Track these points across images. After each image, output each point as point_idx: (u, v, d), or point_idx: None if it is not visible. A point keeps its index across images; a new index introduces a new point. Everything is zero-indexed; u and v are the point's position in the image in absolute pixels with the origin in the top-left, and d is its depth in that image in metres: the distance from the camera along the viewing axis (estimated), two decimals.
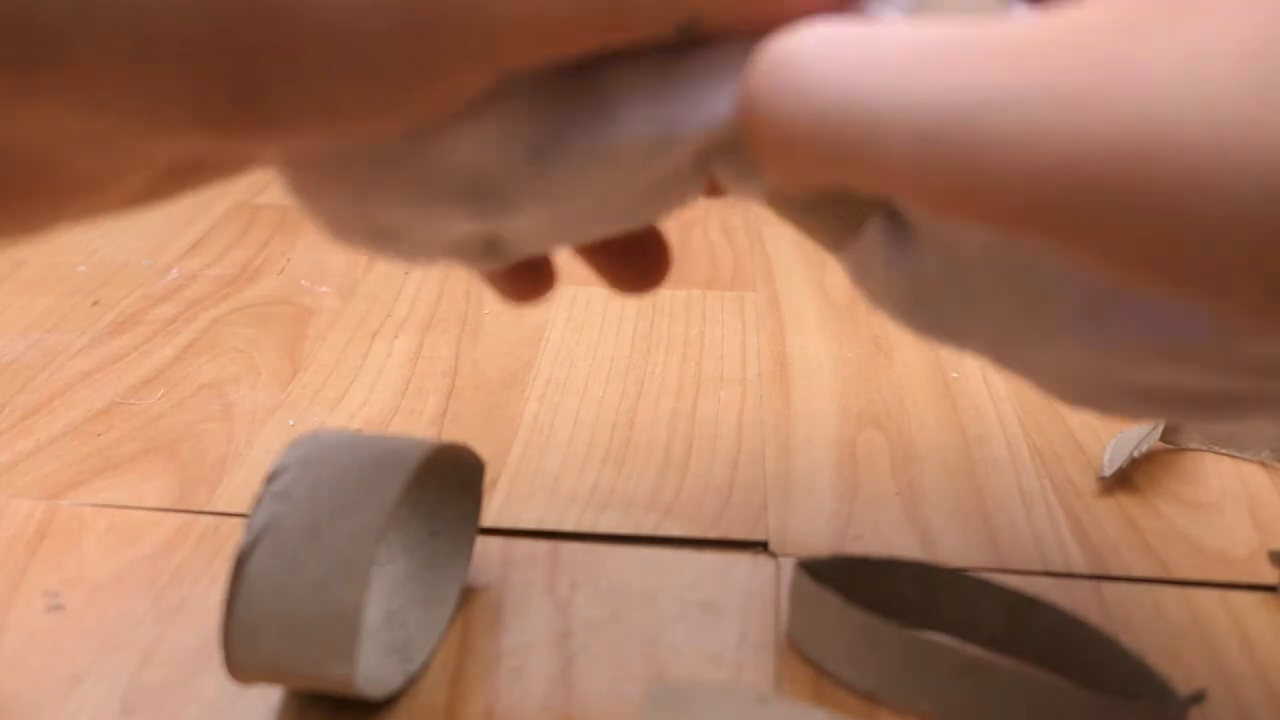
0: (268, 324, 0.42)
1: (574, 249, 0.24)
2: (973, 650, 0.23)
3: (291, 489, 0.23)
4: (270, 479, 0.23)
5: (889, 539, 0.30)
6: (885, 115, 0.14)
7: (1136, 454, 0.32)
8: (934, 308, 0.19)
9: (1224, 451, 0.34)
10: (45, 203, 0.16)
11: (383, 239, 0.21)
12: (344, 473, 0.23)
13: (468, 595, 0.28)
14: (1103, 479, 0.32)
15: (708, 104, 0.19)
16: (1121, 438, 0.33)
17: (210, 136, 0.15)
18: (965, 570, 0.26)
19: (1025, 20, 0.15)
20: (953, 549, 0.29)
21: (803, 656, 0.26)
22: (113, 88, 0.14)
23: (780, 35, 0.16)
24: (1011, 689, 0.22)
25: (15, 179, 0.15)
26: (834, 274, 0.46)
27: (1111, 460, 0.32)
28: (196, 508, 0.31)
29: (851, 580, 0.26)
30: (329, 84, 0.15)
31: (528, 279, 0.25)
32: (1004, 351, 0.19)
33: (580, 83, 0.19)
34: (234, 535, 0.30)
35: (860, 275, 0.20)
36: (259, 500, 0.23)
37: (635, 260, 0.25)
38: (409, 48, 0.15)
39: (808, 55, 0.15)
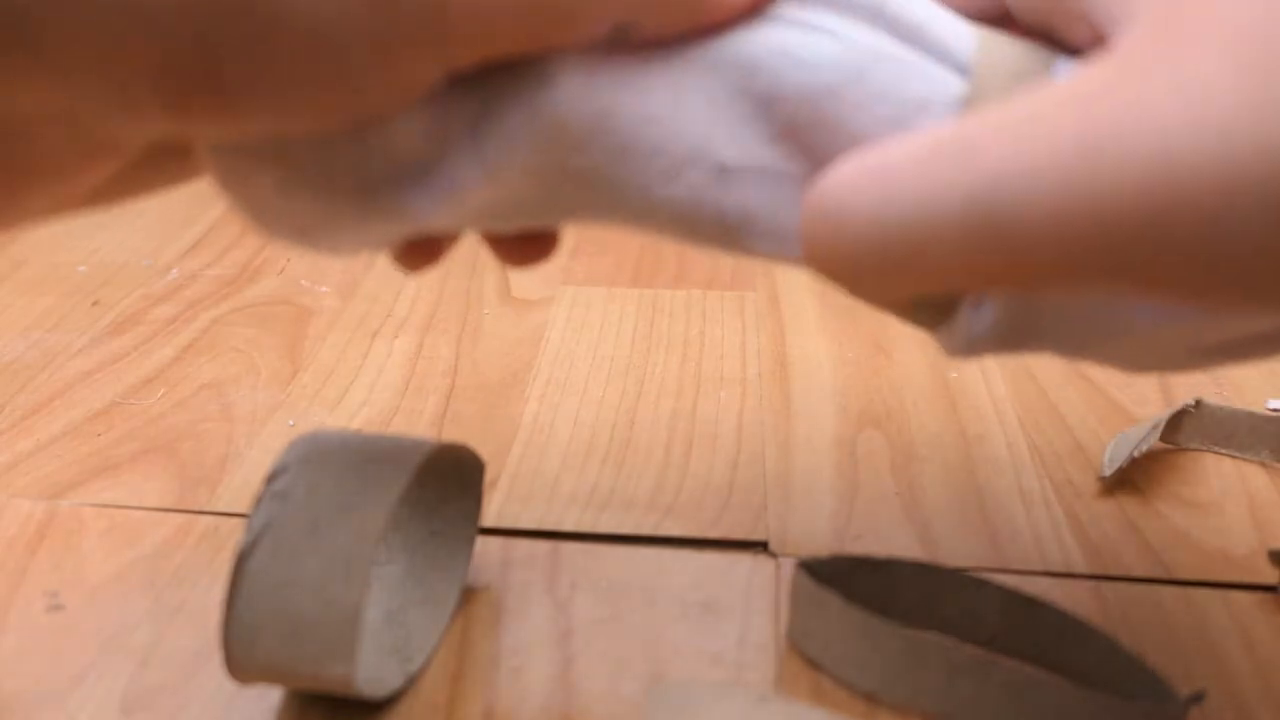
0: (268, 324, 0.42)
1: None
2: (972, 650, 0.23)
3: (291, 489, 0.23)
4: (270, 479, 0.23)
5: (889, 539, 0.30)
6: (917, 228, 0.15)
7: (1136, 454, 0.32)
8: (1020, 346, 0.20)
9: (1224, 451, 0.34)
10: (13, 187, 0.17)
11: (309, 235, 0.21)
12: (344, 473, 0.23)
13: (468, 595, 0.28)
14: (1103, 479, 0.32)
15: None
16: (1121, 438, 0.33)
17: (172, 118, 0.16)
18: (965, 570, 0.26)
19: (1042, 86, 0.16)
20: (953, 549, 0.29)
21: (803, 656, 0.26)
22: (80, 67, 0.15)
23: (821, 177, 0.17)
24: (1011, 688, 0.22)
25: None
26: None
27: (1111, 460, 0.32)
28: (196, 508, 0.31)
29: (851, 580, 0.26)
30: (289, 72, 0.15)
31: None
32: (1081, 351, 0.19)
33: (520, 64, 0.19)
34: (234, 535, 0.30)
35: (952, 347, 0.20)
36: (259, 500, 0.23)
37: (522, 236, 0.25)
38: (369, 40, 0.16)
39: (840, 194, 0.16)
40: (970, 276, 0.16)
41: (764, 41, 0.19)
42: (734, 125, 0.20)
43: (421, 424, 0.35)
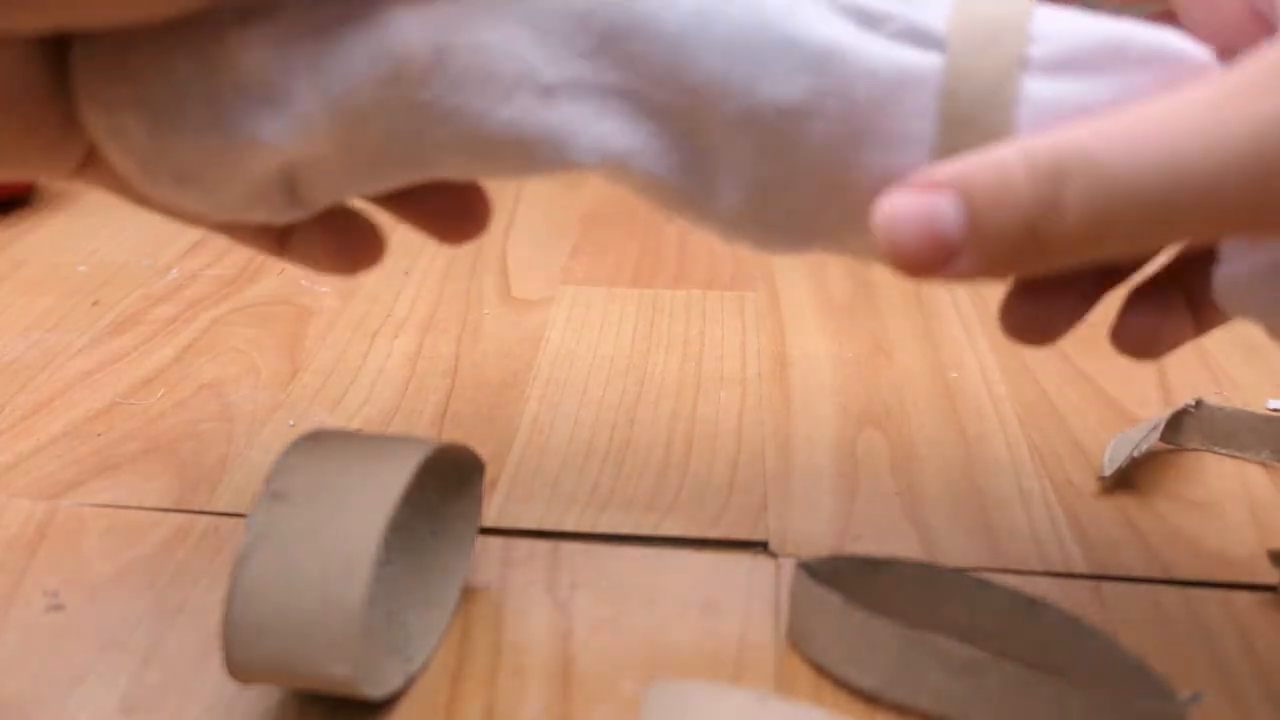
0: (268, 324, 0.42)
1: (380, 203, 0.25)
2: (971, 650, 0.23)
3: (292, 489, 0.23)
4: (271, 479, 0.23)
5: (889, 539, 0.30)
6: (1204, 175, 0.18)
7: (1136, 454, 0.32)
8: None
9: (1224, 451, 0.34)
10: None
11: (185, 183, 0.22)
12: (345, 473, 0.23)
13: (468, 595, 0.28)
14: (1102, 479, 0.32)
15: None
16: (1122, 437, 0.33)
17: None
18: (965, 570, 0.26)
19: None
20: (953, 549, 0.30)
21: (803, 656, 0.26)
22: None
23: (1058, 137, 0.19)
24: (1010, 688, 0.23)
25: None
26: (834, 274, 0.46)
27: (1111, 460, 0.32)
28: (197, 508, 0.31)
29: (851, 580, 0.26)
30: None
31: (346, 238, 0.26)
32: None
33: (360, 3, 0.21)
34: (234, 535, 0.30)
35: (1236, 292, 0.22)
36: (259, 500, 0.23)
37: (447, 210, 0.26)
38: None
39: (1113, 149, 0.18)
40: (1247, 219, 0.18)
41: None
42: (555, 45, 0.21)
43: (421, 424, 0.35)
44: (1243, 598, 0.28)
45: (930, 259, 0.20)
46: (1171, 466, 0.33)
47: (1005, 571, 0.29)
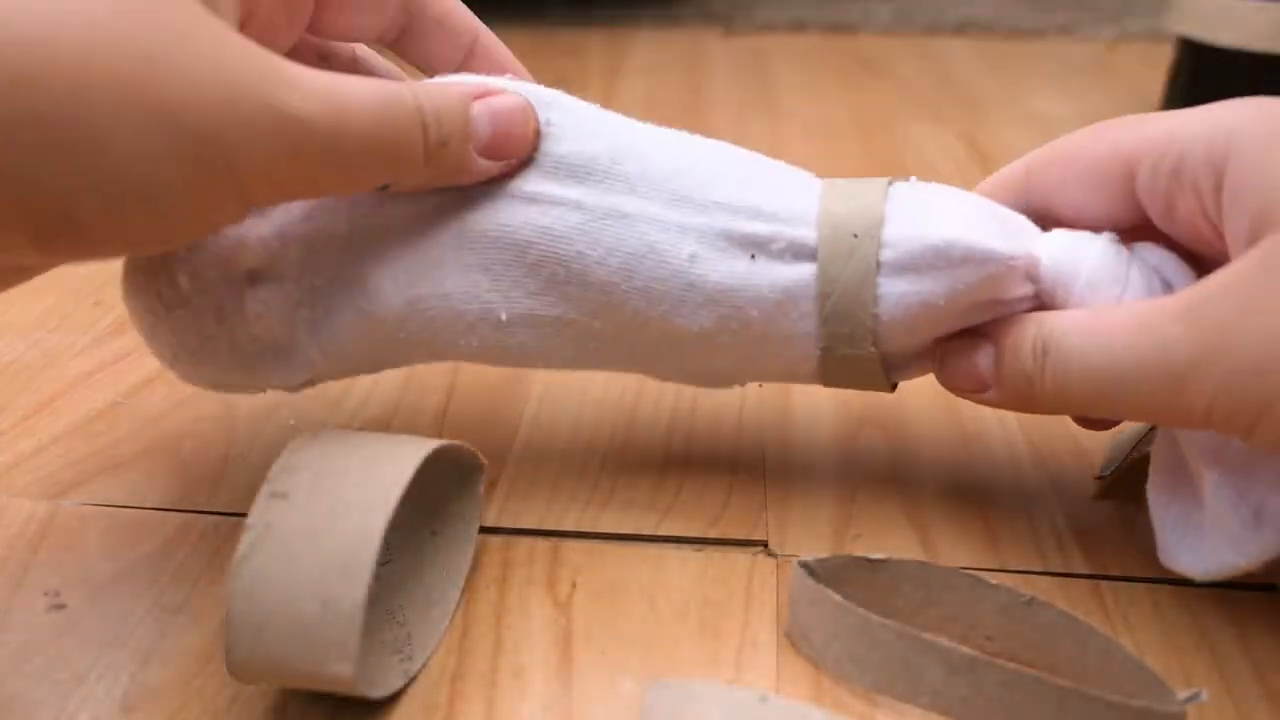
0: None
1: None
2: (970, 650, 0.23)
3: (292, 489, 0.23)
4: (271, 479, 0.23)
5: (889, 539, 0.30)
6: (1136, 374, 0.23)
7: (1137, 455, 0.32)
8: None
9: None
10: None
11: (218, 387, 0.30)
12: (345, 473, 0.23)
13: (468, 595, 0.28)
14: (1100, 478, 0.32)
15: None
16: (1120, 437, 0.33)
17: (39, 253, 0.20)
18: (964, 570, 0.26)
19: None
20: (953, 549, 0.30)
21: (802, 656, 0.26)
22: None
23: (1046, 328, 0.25)
24: (1009, 688, 0.23)
25: None
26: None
27: (1110, 461, 0.32)
28: (198, 507, 0.31)
29: (851, 580, 0.26)
30: (132, 212, 0.20)
31: None
32: None
33: (345, 268, 0.27)
34: (235, 535, 0.30)
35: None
36: (259, 500, 0.23)
37: None
38: (186, 187, 0.20)
39: (1070, 347, 0.25)
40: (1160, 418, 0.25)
41: (527, 222, 0.27)
42: (508, 287, 0.27)
43: (422, 424, 0.35)
44: (1242, 597, 0.28)
45: (967, 387, 0.27)
46: None
47: (1005, 571, 0.29)
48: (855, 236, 0.26)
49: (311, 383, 0.30)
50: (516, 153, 0.25)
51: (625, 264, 0.26)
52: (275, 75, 0.20)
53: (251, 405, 0.36)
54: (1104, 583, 0.28)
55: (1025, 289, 0.26)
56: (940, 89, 0.74)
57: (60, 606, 0.27)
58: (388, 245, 0.27)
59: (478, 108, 0.25)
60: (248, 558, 0.22)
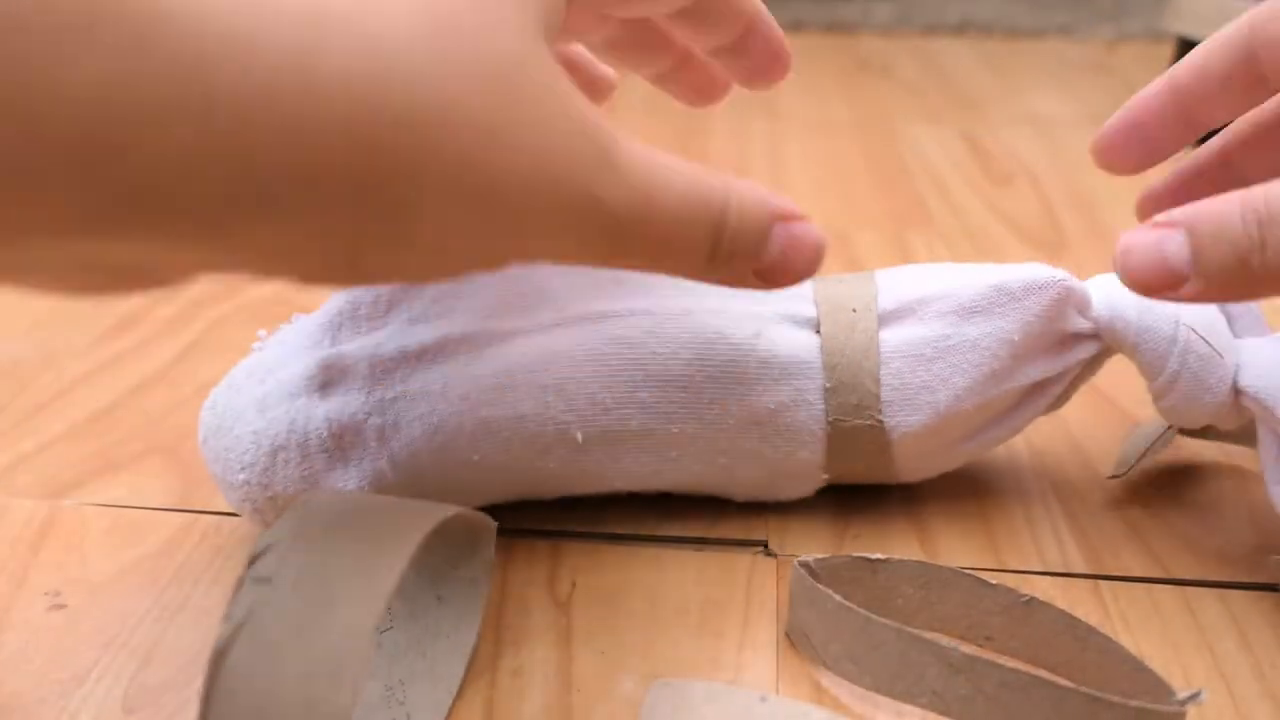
0: (269, 324, 0.42)
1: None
2: (968, 650, 0.23)
3: (277, 572, 0.20)
4: (254, 559, 0.21)
5: (889, 539, 0.30)
6: None
7: (1150, 456, 0.31)
8: None
9: (1238, 446, 0.33)
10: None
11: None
12: (338, 553, 0.21)
13: None
14: (1115, 477, 0.32)
15: None
16: (1138, 434, 0.33)
17: (301, 283, 0.19)
18: (964, 570, 0.26)
19: None
20: (953, 549, 0.30)
21: (802, 655, 0.26)
22: (266, 254, 0.18)
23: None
24: (1008, 689, 0.23)
25: None
26: (834, 273, 0.46)
27: (1124, 459, 0.32)
28: (198, 507, 0.31)
29: (850, 579, 0.26)
30: (415, 265, 0.19)
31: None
32: None
33: (414, 383, 0.27)
34: (236, 535, 0.30)
35: None
36: (240, 584, 0.20)
37: (743, 61, 0.29)
38: (479, 253, 0.20)
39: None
40: None
41: (604, 337, 0.27)
42: (581, 407, 0.27)
43: None
44: (1241, 597, 0.28)
45: (1159, 283, 0.23)
46: (1171, 467, 0.33)
47: (1005, 571, 0.29)
48: (854, 311, 0.28)
49: None
50: (791, 282, 0.24)
51: (698, 354, 0.27)
52: (602, 158, 0.19)
53: None
54: (1104, 583, 0.28)
55: (1081, 323, 0.28)
56: (940, 89, 0.74)
57: (60, 606, 0.27)
58: (459, 362, 0.27)
59: (778, 230, 0.23)
60: (227, 652, 0.19)
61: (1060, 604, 0.25)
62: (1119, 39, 0.87)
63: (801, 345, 0.28)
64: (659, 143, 0.61)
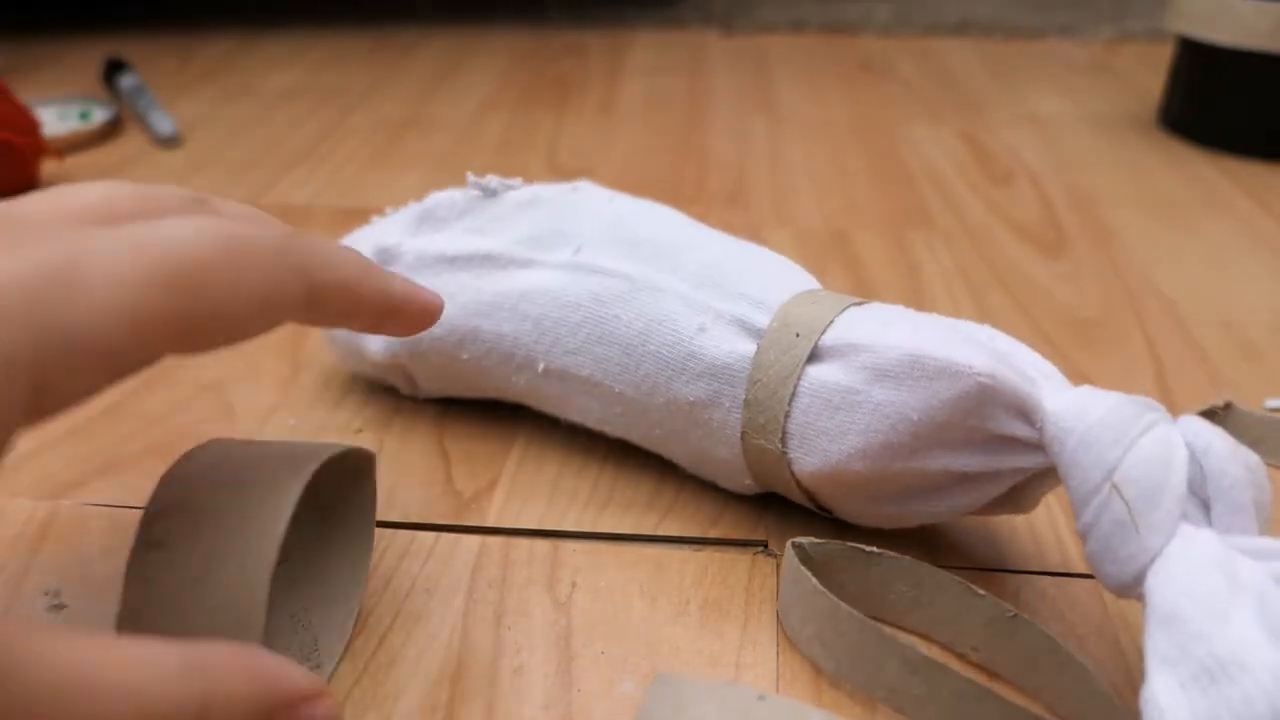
0: None
1: None
2: (929, 652, 0.23)
3: (169, 536, 0.21)
4: (145, 524, 0.22)
5: (889, 538, 0.30)
6: None
7: None
8: None
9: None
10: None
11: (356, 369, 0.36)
12: (225, 508, 0.22)
13: (467, 595, 0.28)
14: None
15: None
16: None
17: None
18: (961, 569, 0.26)
19: None
20: (952, 548, 0.30)
21: (788, 640, 0.26)
22: None
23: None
24: (963, 698, 0.22)
25: None
26: (834, 273, 0.46)
27: None
28: None
29: (845, 568, 0.26)
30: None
31: None
32: None
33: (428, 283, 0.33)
34: None
35: None
36: (135, 552, 0.21)
37: None
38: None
39: None
40: None
41: (584, 289, 0.31)
42: (550, 343, 0.31)
43: (422, 423, 0.35)
44: None
45: None
46: None
47: (1005, 571, 0.29)
48: (797, 335, 0.27)
49: (412, 379, 0.35)
50: None
51: (645, 328, 0.29)
52: None
53: (251, 405, 0.36)
54: None
55: (1020, 429, 0.25)
56: (940, 89, 0.74)
57: (60, 606, 0.27)
58: (478, 274, 0.32)
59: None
60: (138, 615, 0.20)
61: (1060, 604, 0.25)
62: (1119, 39, 0.87)
63: (736, 352, 0.28)
64: (659, 142, 0.61)
